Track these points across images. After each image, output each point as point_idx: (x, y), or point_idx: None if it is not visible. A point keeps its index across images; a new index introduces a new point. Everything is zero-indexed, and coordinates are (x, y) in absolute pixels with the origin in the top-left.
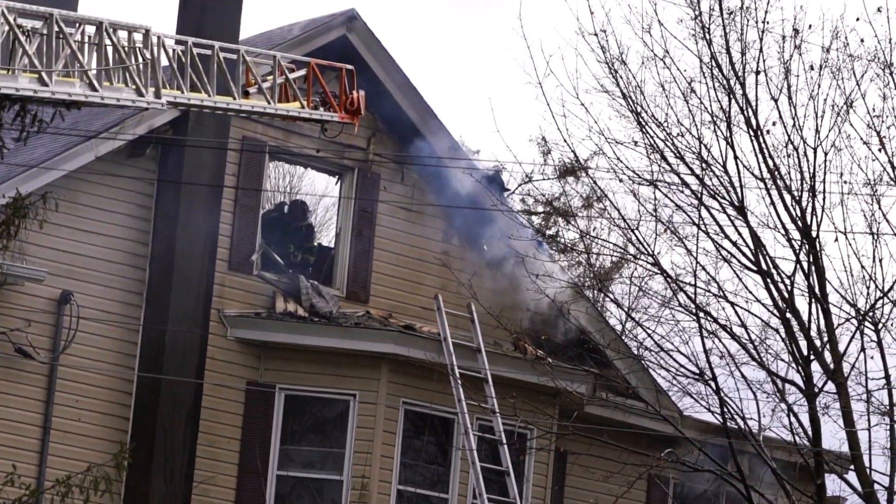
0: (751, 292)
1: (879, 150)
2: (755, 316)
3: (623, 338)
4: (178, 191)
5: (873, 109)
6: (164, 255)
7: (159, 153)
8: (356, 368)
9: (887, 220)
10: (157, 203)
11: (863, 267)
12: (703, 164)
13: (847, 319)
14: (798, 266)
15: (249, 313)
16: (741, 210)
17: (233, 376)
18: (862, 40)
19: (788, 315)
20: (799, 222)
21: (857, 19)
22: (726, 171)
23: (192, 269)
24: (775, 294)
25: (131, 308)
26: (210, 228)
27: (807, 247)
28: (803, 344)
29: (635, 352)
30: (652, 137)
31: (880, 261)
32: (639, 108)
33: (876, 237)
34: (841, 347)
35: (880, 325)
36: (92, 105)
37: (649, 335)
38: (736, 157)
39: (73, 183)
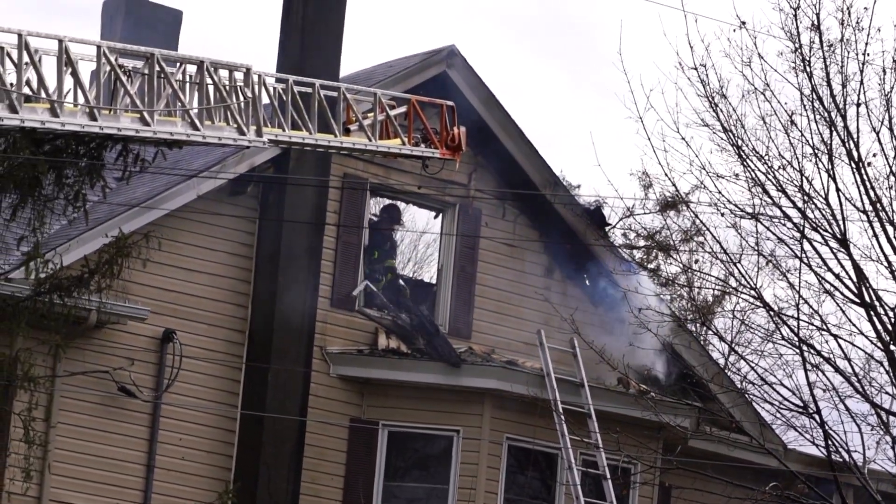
0: (854, 325)
1: None
2: (859, 349)
3: (726, 371)
4: (280, 228)
5: None
6: (267, 293)
7: (260, 191)
8: (459, 404)
9: None
10: (258, 241)
11: None
12: (805, 197)
13: None
14: None
15: (352, 350)
16: (844, 242)
17: (336, 413)
18: None
19: (892, 347)
20: None
21: None
22: (828, 204)
23: (295, 306)
24: (879, 326)
25: (234, 346)
26: (312, 266)
27: None
28: None
29: (739, 385)
30: (753, 171)
31: None
32: (739, 142)
33: None
34: None
35: None
36: (193, 144)
37: (752, 368)
38: (838, 190)
39: (175, 221)
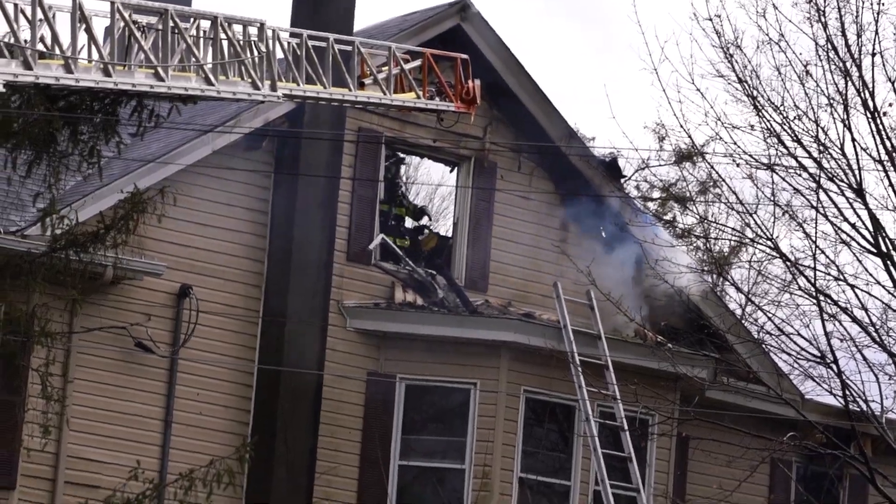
0: (871, 275)
1: None
2: (876, 298)
3: (743, 322)
4: (295, 183)
5: None
6: (282, 248)
7: (275, 146)
8: (476, 357)
9: None
10: (274, 195)
11: None
12: (821, 147)
13: None
14: None
15: (369, 304)
16: (860, 192)
17: (353, 367)
18: None
19: None
20: None
21: None
22: (844, 154)
23: (311, 260)
24: (895, 276)
25: (250, 301)
26: (327, 220)
27: None
28: None
29: (756, 336)
30: (768, 121)
31: None
32: (755, 93)
33: None
34: None
35: None
36: (208, 99)
37: (769, 319)
38: (853, 139)
39: (190, 177)
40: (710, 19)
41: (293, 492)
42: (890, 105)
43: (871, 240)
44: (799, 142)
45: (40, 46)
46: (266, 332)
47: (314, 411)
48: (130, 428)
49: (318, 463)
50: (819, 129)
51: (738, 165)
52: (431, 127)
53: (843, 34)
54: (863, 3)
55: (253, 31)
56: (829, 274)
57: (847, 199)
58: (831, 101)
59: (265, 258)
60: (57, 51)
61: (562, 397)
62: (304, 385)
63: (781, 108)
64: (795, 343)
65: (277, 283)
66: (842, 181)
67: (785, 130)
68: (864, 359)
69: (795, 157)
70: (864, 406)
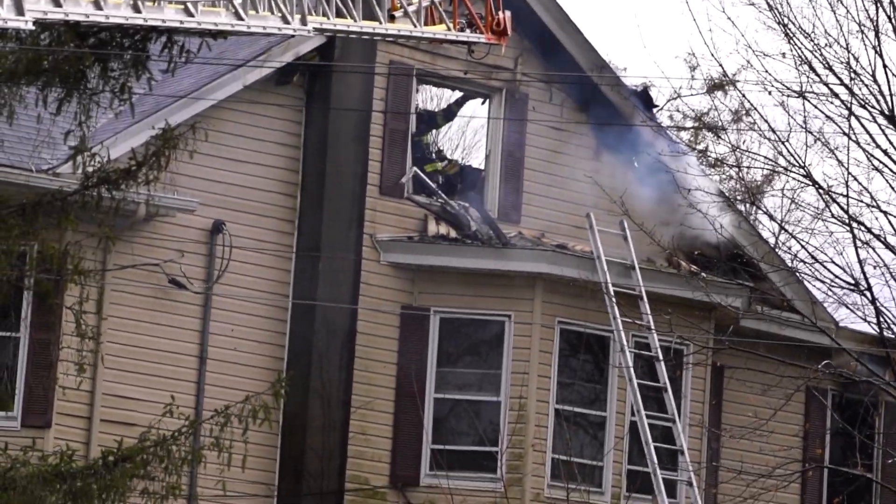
0: None
1: None
2: None
3: (777, 250)
4: (327, 117)
5: None
6: (315, 183)
7: (307, 80)
8: (510, 289)
9: None
10: (305, 130)
11: None
12: (852, 74)
13: None
14: None
15: (402, 237)
16: (892, 119)
17: (387, 301)
18: None
19: None
20: None
21: None
22: (875, 80)
23: (343, 195)
24: None
25: (284, 236)
26: (359, 154)
27: None
28: None
29: (789, 264)
30: (800, 49)
31: None
32: (786, 20)
33: None
34: None
35: None
36: (238, 34)
37: (803, 247)
38: (885, 66)
39: (221, 112)
40: None
41: (329, 426)
42: None
43: None
44: (830, 69)
45: None
46: (300, 267)
47: (349, 346)
48: (165, 364)
49: (354, 397)
50: (850, 55)
51: (769, 93)
52: (462, 59)
53: None
54: None
55: None
56: (861, 201)
57: (879, 125)
58: (862, 28)
59: (298, 193)
60: None
61: (596, 328)
62: (339, 319)
63: (812, 35)
64: (829, 271)
65: (310, 217)
66: (873, 108)
67: (816, 57)
68: None
69: (827, 84)
70: None
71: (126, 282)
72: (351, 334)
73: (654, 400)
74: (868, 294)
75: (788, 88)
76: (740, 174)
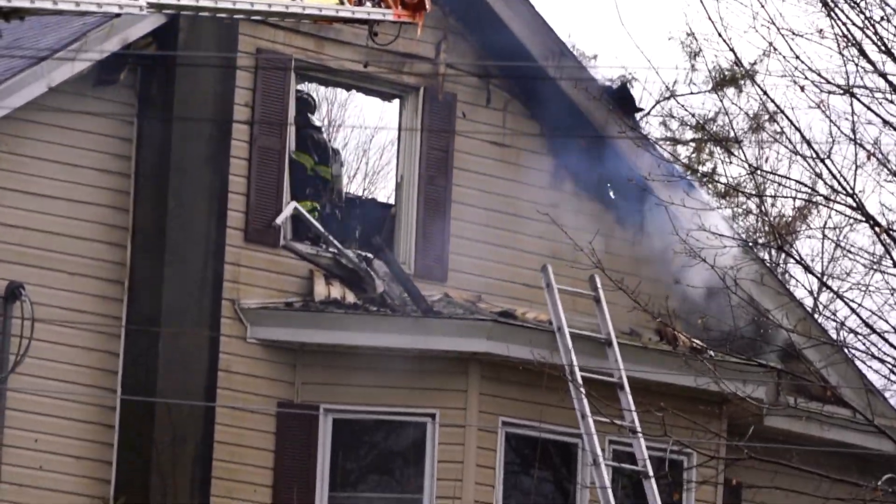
0: None
1: None
2: None
3: (816, 316)
4: (169, 130)
5: None
6: (152, 226)
7: (139, 78)
8: (434, 377)
9: None
10: (138, 150)
11: None
12: None
13: None
14: None
15: (277, 304)
16: None
17: (258, 395)
18: None
19: None
20: None
21: None
22: None
23: (192, 243)
24: None
25: (108, 303)
26: (215, 183)
27: None
28: None
29: (834, 336)
30: (844, 25)
31: None
32: None
33: None
34: None
35: None
36: (41, 13)
37: (853, 311)
38: None
39: (17, 126)
40: None
41: None
42: None
43: None
44: (889, 53)
45: None
46: (132, 348)
47: (204, 460)
48: None
49: None
50: None
51: (802, 89)
52: (362, 46)
53: None
54: None
55: None
56: None
57: None
58: None
59: (128, 241)
60: None
61: (558, 431)
62: (189, 422)
63: (863, 5)
64: (892, 345)
65: (146, 276)
66: None
67: (868, 37)
68: None
69: (884, 76)
70: None
71: None
72: (207, 444)
73: None
74: None
75: (829, 82)
76: (762, 206)
